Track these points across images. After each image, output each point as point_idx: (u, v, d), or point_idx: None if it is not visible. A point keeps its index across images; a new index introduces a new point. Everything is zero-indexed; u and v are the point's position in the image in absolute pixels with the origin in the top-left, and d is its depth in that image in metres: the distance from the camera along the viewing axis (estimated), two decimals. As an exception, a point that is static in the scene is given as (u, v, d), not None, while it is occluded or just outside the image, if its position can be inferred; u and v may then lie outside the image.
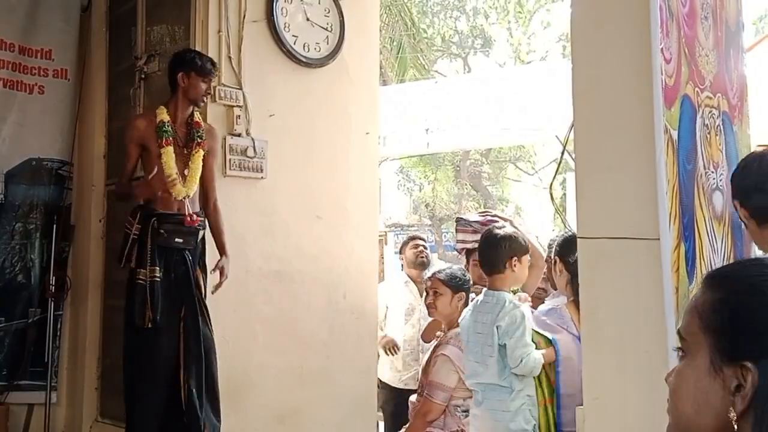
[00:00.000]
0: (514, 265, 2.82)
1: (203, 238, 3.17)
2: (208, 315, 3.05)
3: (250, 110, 3.56)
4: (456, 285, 3.01)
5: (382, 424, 4.37)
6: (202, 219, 3.15)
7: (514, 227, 3.07)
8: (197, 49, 3.50)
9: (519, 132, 6.59)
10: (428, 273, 3.62)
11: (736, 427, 0.87)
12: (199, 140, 3.15)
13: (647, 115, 1.74)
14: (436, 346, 3.01)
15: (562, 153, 2.61)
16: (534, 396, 2.77)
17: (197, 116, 3.22)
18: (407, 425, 2.99)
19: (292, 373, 3.63)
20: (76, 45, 4.19)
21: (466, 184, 16.53)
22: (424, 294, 3.20)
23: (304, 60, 3.79)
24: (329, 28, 3.89)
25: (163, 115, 3.11)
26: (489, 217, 3.34)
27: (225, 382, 3.39)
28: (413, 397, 3.14)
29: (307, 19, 3.82)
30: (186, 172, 3.10)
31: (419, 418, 2.86)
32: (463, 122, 6.58)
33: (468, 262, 3.30)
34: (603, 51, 1.91)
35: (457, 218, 3.56)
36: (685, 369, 0.94)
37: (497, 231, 2.91)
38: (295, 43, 3.75)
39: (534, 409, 2.76)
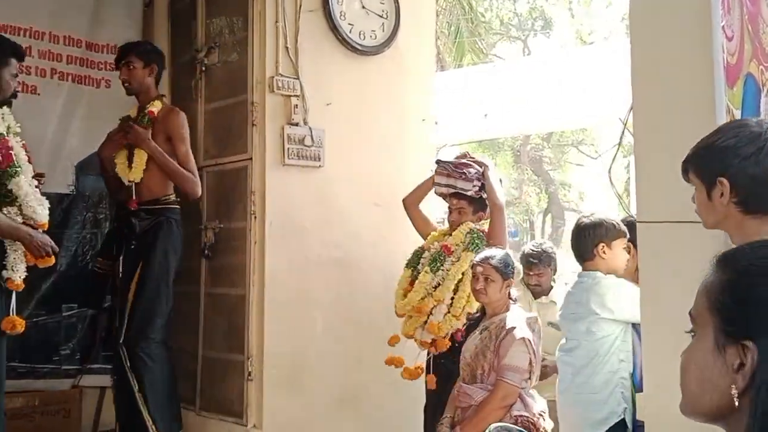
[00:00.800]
0: (603, 251, 2.91)
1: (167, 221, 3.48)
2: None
3: (307, 99, 3.61)
4: (507, 272, 2.99)
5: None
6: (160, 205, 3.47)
7: (485, 176, 3.28)
8: (255, 39, 3.57)
9: (581, 115, 6.45)
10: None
11: (737, 403, 0.90)
12: (142, 126, 3.47)
13: (708, 95, 1.69)
14: (504, 330, 2.93)
15: (621, 135, 2.56)
16: (628, 379, 2.76)
17: (154, 105, 3.54)
18: (475, 409, 2.87)
19: (351, 359, 3.68)
20: (140, 39, 4.30)
21: (526, 169, 16.31)
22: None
23: (359, 48, 3.81)
24: (384, 15, 3.90)
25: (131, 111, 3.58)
26: (463, 160, 3.38)
27: (287, 366, 3.47)
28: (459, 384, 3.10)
29: (363, 7, 3.84)
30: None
31: (495, 402, 2.79)
32: (522, 106, 6.49)
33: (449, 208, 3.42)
34: (662, 29, 1.86)
35: (436, 160, 3.55)
36: (693, 348, 0.98)
37: (584, 219, 3.04)
38: (350, 32, 3.77)
39: (627, 392, 2.75)
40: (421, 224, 3.58)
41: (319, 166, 3.64)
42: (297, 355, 3.50)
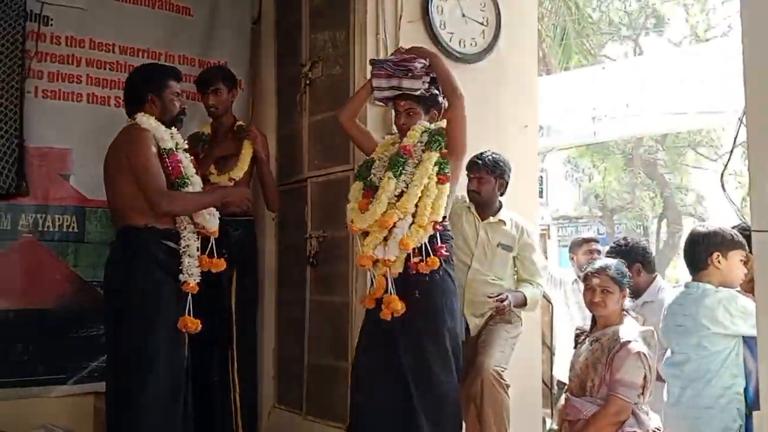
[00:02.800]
0: (718, 261, 2.75)
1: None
2: None
3: (408, 109, 3.62)
4: (624, 283, 2.91)
5: (549, 422, 4.28)
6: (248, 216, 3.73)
7: (435, 66, 2.97)
8: (356, 52, 3.63)
9: (696, 115, 6.16)
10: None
11: None
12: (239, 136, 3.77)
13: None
14: (618, 343, 2.82)
15: (735, 137, 2.41)
16: (742, 394, 2.63)
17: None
18: (585, 424, 2.77)
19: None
20: (248, 56, 4.49)
21: (639, 173, 15.67)
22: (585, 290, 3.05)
23: (459, 56, 3.80)
24: (485, 22, 3.87)
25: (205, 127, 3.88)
26: (405, 56, 3.01)
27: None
28: (564, 398, 3.00)
29: (463, 15, 3.83)
30: None
31: (607, 417, 2.71)
32: (633, 108, 6.27)
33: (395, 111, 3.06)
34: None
35: (371, 60, 3.18)
36: None
37: (698, 228, 2.88)
38: (450, 40, 3.77)
39: (742, 407, 2.62)
40: (363, 140, 3.21)
41: (421, 175, 3.65)
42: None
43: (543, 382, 4.00)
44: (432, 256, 2.83)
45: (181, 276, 2.93)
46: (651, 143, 14.80)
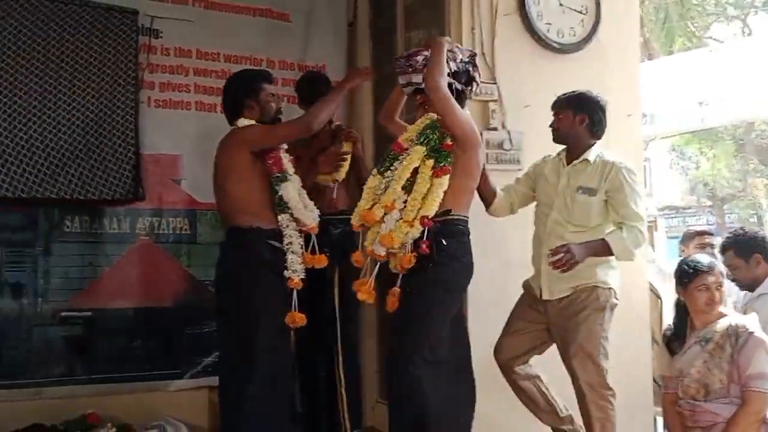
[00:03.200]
0: None
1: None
2: None
3: (504, 103, 3.60)
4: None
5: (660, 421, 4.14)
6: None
7: (433, 51, 2.85)
8: (452, 47, 3.64)
9: (816, 96, 5.81)
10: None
11: None
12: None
13: None
14: (740, 337, 2.71)
15: None
16: None
17: None
18: (724, 426, 2.65)
19: (549, 362, 3.60)
20: (345, 57, 4.57)
21: (751, 159, 14.82)
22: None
23: (557, 47, 3.73)
24: (583, 11, 3.79)
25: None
26: (412, 50, 3.04)
27: (485, 369, 3.48)
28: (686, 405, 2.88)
29: (560, 5, 3.76)
30: None
31: (748, 415, 2.60)
32: (744, 91, 5.97)
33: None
34: None
35: (393, 59, 3.22)
36: None
37: None
38: (548, 31, 3.71)
39: None
40: None
41: (519, 169, 3.61)
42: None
43: (654, 380, 3.87)
44: (408, 254, 2.76)
45: (285, 272, 3.02)
46: (764, 127, 13.96)
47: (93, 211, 3.92)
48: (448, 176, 2.82)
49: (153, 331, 4.01)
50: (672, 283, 4.55)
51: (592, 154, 3.07)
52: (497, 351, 3.19)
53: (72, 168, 3.76)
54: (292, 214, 3.07)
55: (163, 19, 4.10)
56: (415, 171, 2.83)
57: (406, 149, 2.89)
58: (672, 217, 16.90)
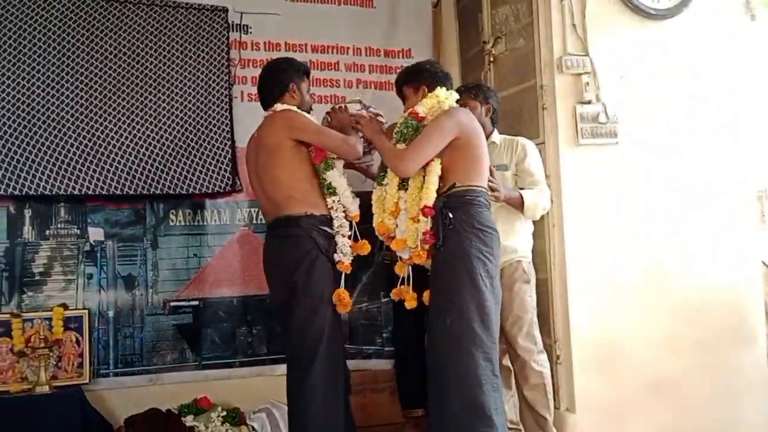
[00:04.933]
0: None
1: None
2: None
3: (598, 75, 3.48)
4: None
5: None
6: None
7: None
8: (540, 22, 3.55)
9: None
10: None
11: None
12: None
13: None
14: None
15: None
16: None
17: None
18: None
19: (664, 343, 3.48)
20: (431, 40, 4.54)
21: None
22: None
23: (653, 12, 3.58)
24: (679, -28, 3.61)
25: None
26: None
27: (596, 350, 3.41)
28: None
29: (654, -33, 3.60)
30: None
31: None
32: None
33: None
34: None
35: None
36: None
37: None
38: (642, -3, 3.56)
39: None
40: None
41: (616, 143, 3.50)
42: (606, 338, 3.41)
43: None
44: (418, 250, 2.88)
45: (335, 255, 3.05)
46: None
47: (195, 205, 4.08)
48: (437, 162, 2.86)
49: (256, 318, 4.14)
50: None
51: (497, 138, 3.38)
52: None
53: (175, 164, 3.93)
54: (338, 200, 3.08)
55: (251, 15, 4.20)
56: None
57: None
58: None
